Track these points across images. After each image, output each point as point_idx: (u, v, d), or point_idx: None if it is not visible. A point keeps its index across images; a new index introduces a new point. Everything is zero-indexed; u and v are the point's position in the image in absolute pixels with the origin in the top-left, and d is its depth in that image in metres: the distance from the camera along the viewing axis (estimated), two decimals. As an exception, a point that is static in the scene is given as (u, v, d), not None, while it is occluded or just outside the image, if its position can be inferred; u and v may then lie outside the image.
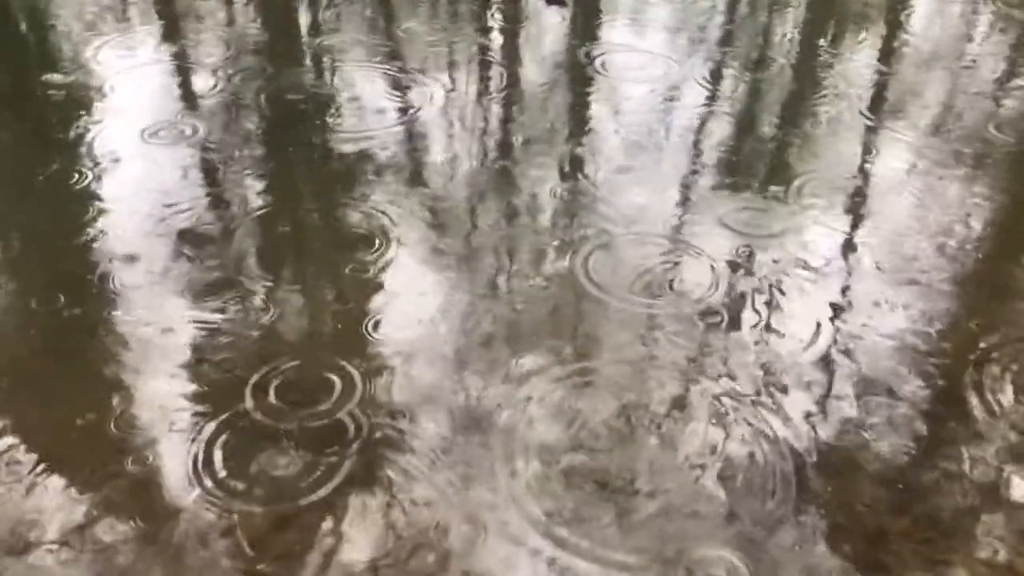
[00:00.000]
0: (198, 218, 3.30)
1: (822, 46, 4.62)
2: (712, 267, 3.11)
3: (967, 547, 2.28)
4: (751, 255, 3.17)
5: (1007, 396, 2.68)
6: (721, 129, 3.92)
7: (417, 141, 3.79)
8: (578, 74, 4.29)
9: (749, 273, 3.09)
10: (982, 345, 2.86)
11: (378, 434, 2.50)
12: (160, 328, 2.82)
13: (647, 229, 3.27)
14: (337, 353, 2.79)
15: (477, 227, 3.29)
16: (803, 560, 2.23)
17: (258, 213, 3.34)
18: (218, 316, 2.87)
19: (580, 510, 2.32)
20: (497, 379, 2.67)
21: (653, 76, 4.28)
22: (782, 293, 3.02)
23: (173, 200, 3.38)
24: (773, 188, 3.52)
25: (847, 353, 2.79)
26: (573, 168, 3.63)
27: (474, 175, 3.59)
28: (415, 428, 2.52)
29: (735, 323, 2.89)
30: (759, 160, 3.72)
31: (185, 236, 3.21)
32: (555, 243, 3.20)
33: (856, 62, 4.42)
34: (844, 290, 3.04)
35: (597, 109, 4.06)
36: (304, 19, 4.81)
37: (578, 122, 3.97)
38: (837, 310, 2.96)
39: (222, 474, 2.39)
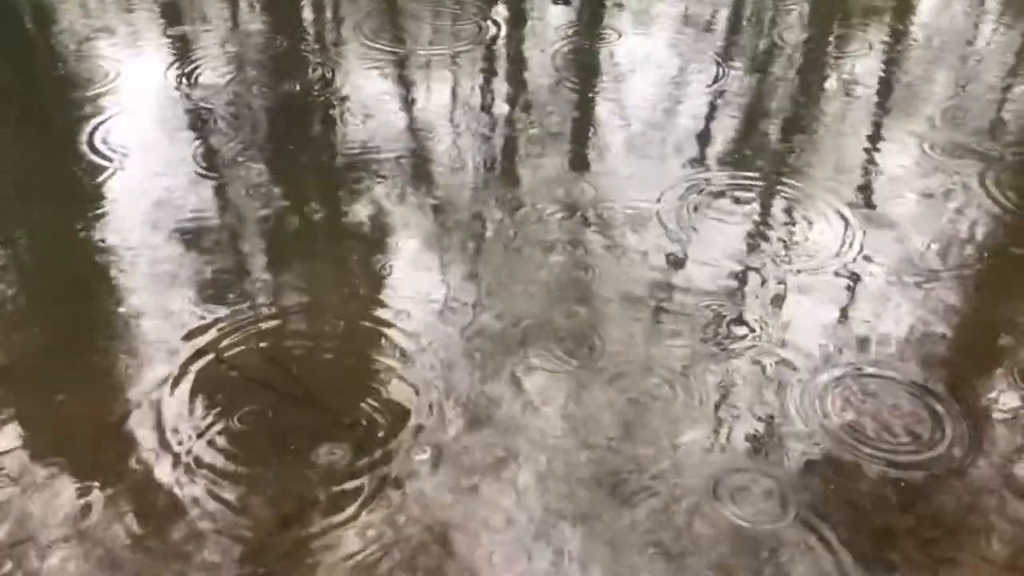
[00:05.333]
0: (203, 215, 3.30)
1: (829, 40, 4.60)
2: (716, 262, 3.10)
3: (972, 546, 2.28)
4: (756, 250, 3.17)
5: (1013, 394, 2.67)
6: (726, 123, 3.91)
7: (421, 138, 3.78)
8: (582, 69, 4.28)
9: (753, 270, 3.09)
10: (988, 342, 2.86)
11: (381, 432, 2.51)
12: (164, 325, 2.82)
13: (651, 223, 3.27)
14: (340, 350, 2.79)
15: (481, 223, 3.29)
16: (808, 558, 2.23)
17: (262, 210, 3.34)
18: (224, 313, 2.87)
19: (585, 505, 2.33)
20: (502, 375, 2.67)
21: (658, 70, 4.27)
22: (787, 290, 3.01)
23: (177, 197, 3.37)
24: (776, 185, 3.51)
25: (851, 350, 2.78)
26: (577, 163, 3.62)
27: (478, 170, 3.58)
28: (419, 424, 2.53)
29: (739, 321, 2.89)
30: (765, 154, 3.70)
31: (190, 233, 3.21)
32: (559, 237, 3.20)
33: (862, 57, 4.40)
34: (850, 287, 3.03)
35: (601, 104, 4.05)
36: (308, 15, 4.81)
37: (583, 117, 3.96)
38: (843, 307, 2.95)
39: (227, 472, 2.40)
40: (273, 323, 2.86)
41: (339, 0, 4.84)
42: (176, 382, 2.64)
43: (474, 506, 2.32)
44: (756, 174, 3.57)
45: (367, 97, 4.03)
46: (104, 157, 3.57)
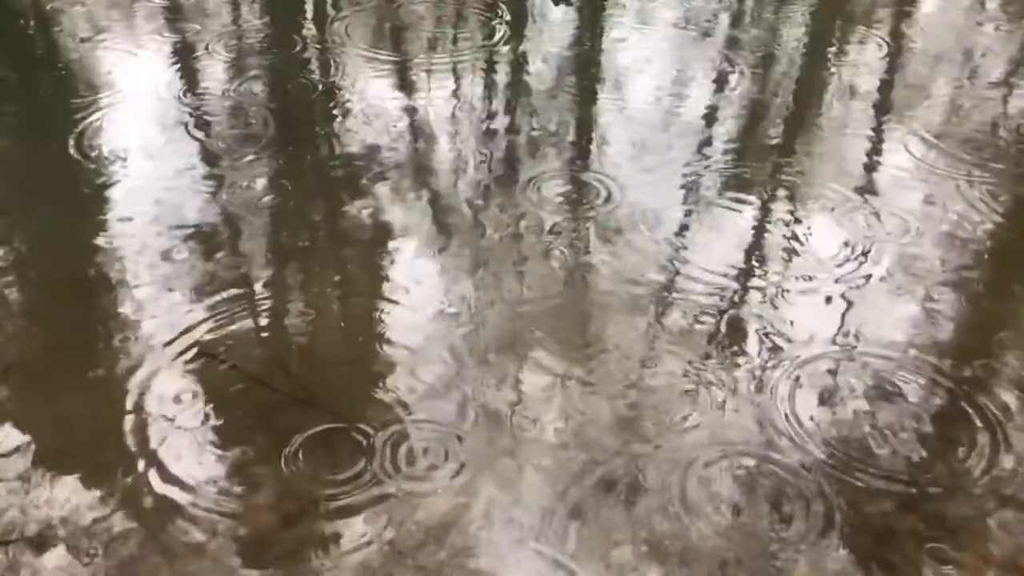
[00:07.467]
0: (203, 215, 3.29)
1: (830, 40, 4.60)
2: (717, 263, 3.10)
3: (974, 546, 2.27)
4: (757, 250, 3.17)
5: (1013, 397, 2.66)
6: (728, 123, 3.91)
7: (422, 139, 3.78)
8: (583, 69, 4.28)
9: (755, 270, 3.09)
10: (989, 344, 2.85)
11: (383, 431, 2.50)
12: (165, 325, 2.82)
13: (652, 224, 3.26)
14: (341, 350, 2.79)
15: (482, 225, 3.28)
16: (810, 558, 2.23)
17: (262, 211, 3.34)
18: (225, 313, 2.87)
19: (585, 506, 2.32)
20: (502, 376, 2.67)
21: (659, 70, 4.27)
22: (788, 291, 3.01)
23: (177, 197, 3.37)
24: (777, 185, 3.51)
25: (851, 350, 2.78)
26: (579, 165, 3.62)
27: (479, 172, 3.58)
28: (419, 424, 2.52)
29: (740, 322, 2.89)
30: (766, 154, 3.70)
31: (190, 233, 3.20)
32: (560, 238, 3.20)
33: (863, 58, 4.40)
34: (850, 290, 3.02)
35: (602, 104, 4.05)
36: (309, 17, 4.81)
37: (584, 117, 3.96)
38: (843, 308, 2.94)
39: (227, 471, 2.40)
40: (274, 323, 2.86)
41: (341, 3, 4.84)
42: (177, 382, 2.64)
43: (474, 506, 2.32)
44: (757, 174, 3.56)
45: (368, 99, 4.03)
46: (104, 157, 3.56)
